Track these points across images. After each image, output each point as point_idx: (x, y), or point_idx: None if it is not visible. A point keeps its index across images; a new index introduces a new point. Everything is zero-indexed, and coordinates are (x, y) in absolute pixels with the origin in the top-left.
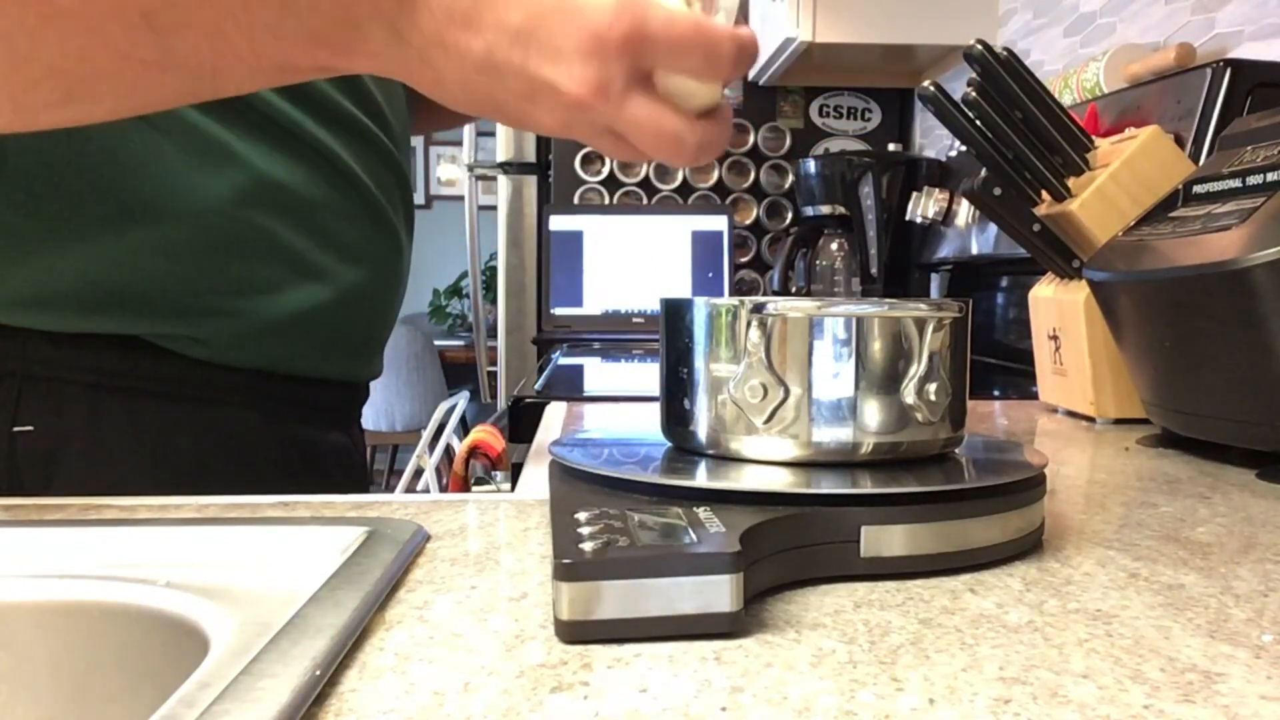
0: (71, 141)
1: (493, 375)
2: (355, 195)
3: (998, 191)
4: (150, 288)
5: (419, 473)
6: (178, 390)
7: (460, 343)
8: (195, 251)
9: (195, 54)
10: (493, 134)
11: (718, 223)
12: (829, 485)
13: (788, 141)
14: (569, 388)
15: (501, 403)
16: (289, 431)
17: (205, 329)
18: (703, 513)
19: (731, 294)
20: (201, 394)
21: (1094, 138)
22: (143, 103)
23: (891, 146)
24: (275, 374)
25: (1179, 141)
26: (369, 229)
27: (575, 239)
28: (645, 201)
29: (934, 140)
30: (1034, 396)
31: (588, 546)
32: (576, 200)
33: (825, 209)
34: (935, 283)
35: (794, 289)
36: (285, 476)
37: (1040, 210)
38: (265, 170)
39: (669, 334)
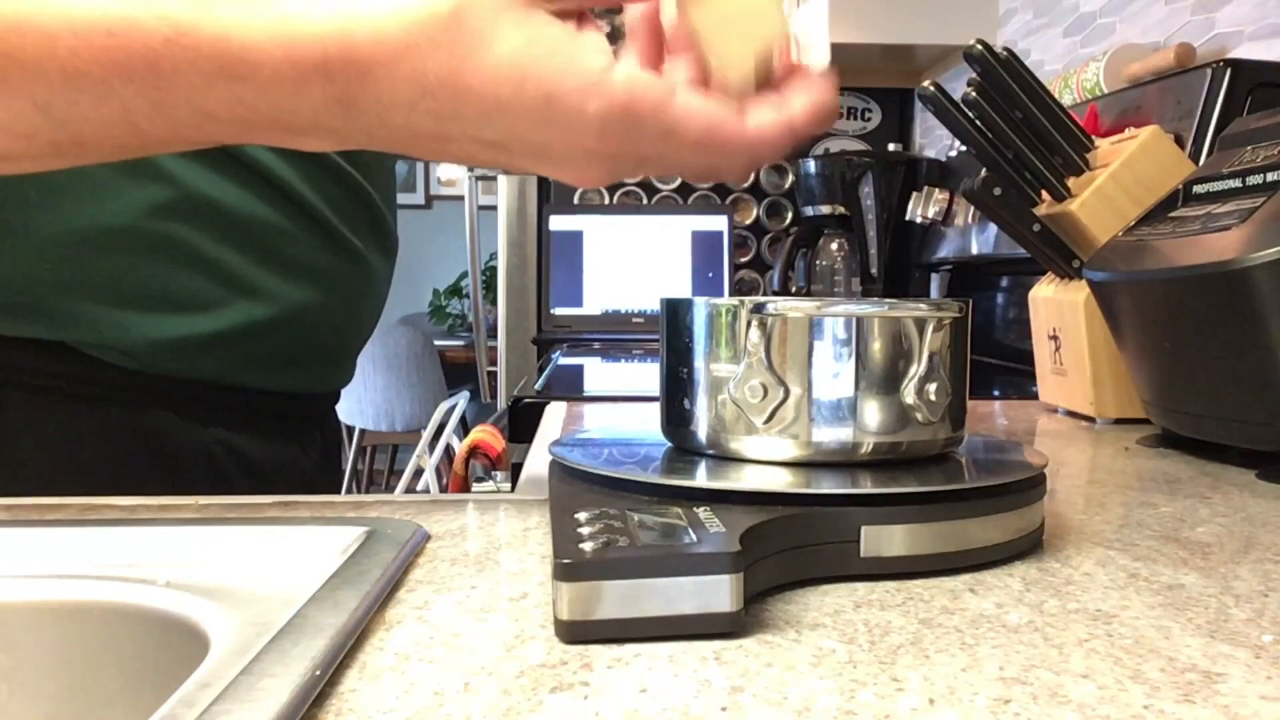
0: None
1: (493, 375)
2: (300, 214)
3: (998, 191)
4: (65, 295)
5: (419, 473)
6: (89, 390)
7: (460, 343)
8: (112, 261)
9: (111, 139)
10: None
11: (718, 223)
12: (829, 485)
13: None
14: (569, 388)
15: (501, 403)
16: (216, 438)
17: (127, 339)
18: (703, 513)
19: (731, 294)
20: (114, 395)
21: (1094, 138)
22: (72, 164)
23: (891, 146)
24: (206, 382)
25: (1179, 141)
26: (319, 248)
27: (575, 239)
28: (645, 201)
29: (934, 140)
30: (1034, 396)
31: (588, 546)
32: (576, 200)
33: (825, 209)
34: (935, 283)
35: (794, 289)
36: (212, 483)
37: (1040, 210)
38: (193, 185)
39: (669, 334)
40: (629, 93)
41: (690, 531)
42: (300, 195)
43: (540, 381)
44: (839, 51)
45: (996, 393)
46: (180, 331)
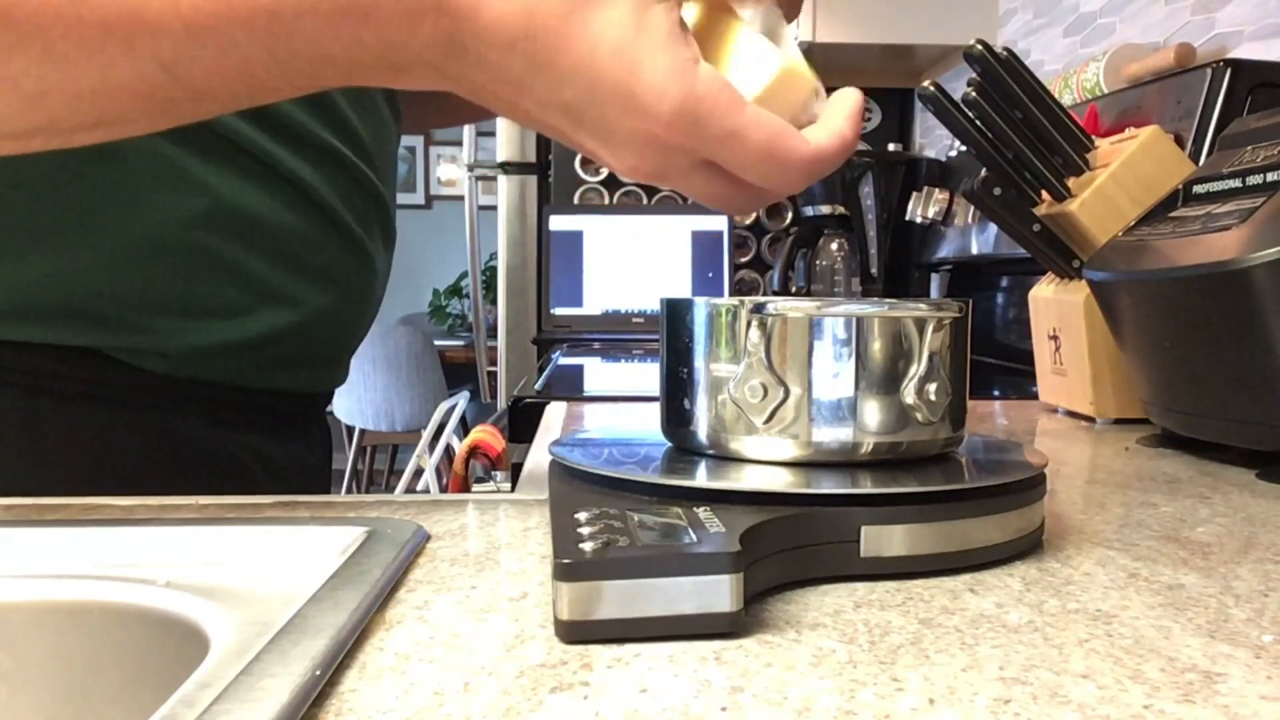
0: (24, 156)
1: (493, 375)
2: (326, 221)
3: (998, 191)
4: (101, 304)
5: (419, 473)
6: (118, 396)
7: (460, 343)
8: (149, 272)
9: (226, 91)
10: (493, 134)
11: (718, 223)
12: (829, 485)
13: None
14: (569, 388)
15: (501, 403)
16: (240, 440)
17: (161, 346)
18: (703, 513)
19: (731, 294)
20: (143, 400)
21: (1094, 138)
22: (178, 122)
23: (891, 146)
24: (227, 385)
25: (1179, 141)
26: (339, 253)
27: (575, 239)
28: (645, 201)
29: (934, 140)
30: (1034, 396)
31: (588, 546)
32: (576, 200)
33: (825, 209)
34: (935, 283)
35: (794, 289)
36: (237, 484)
37: (1040, 210)
38: (227, 196)
39: (669, 334)
40: (709, 87)
41: (690, 531)
42: (323, 200)
43: (540, 381)
44: (839, 51)
45: (996, 393)
46: (212, 339)
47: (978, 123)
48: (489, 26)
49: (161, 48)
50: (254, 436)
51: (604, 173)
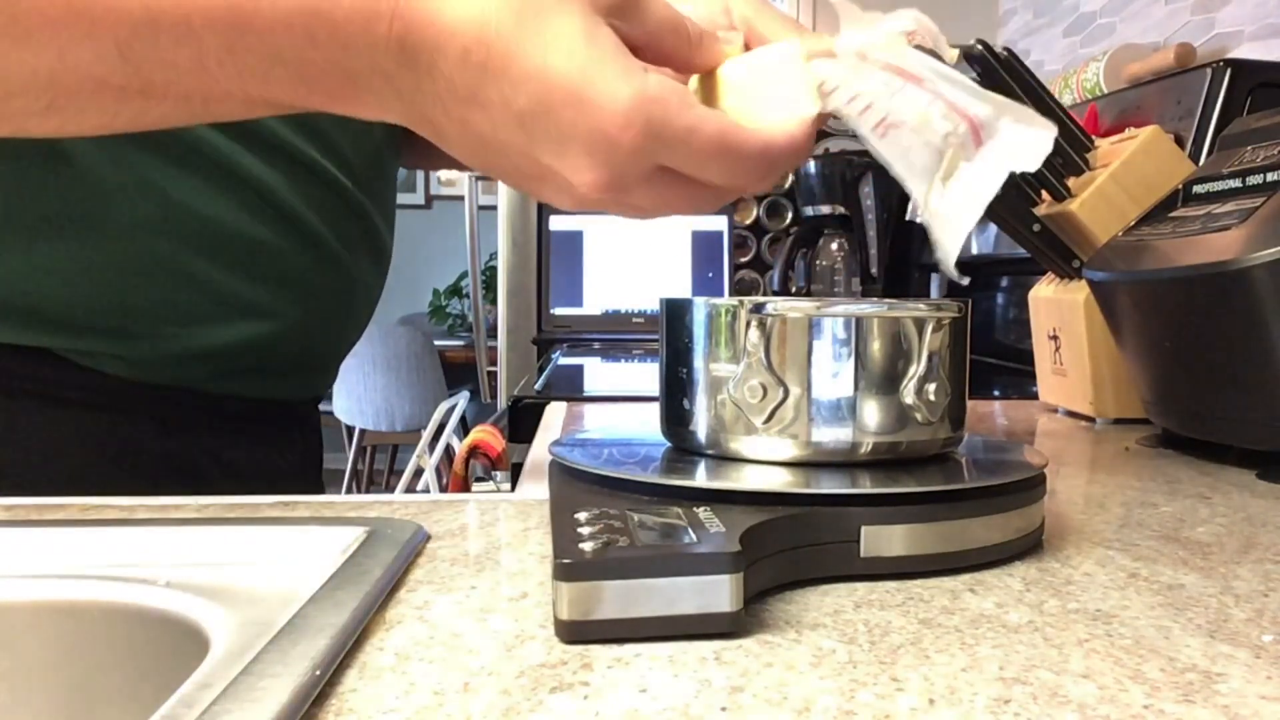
0: None
1: (493, 375)
2: (296, 234)
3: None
4: (58, 305)
5: (419, 473)
6: (61, 394)
7: (460, 343)
8: (107, 275)
9: (178, 86)
10: None
11: (718, 223)
12: (829, 485)
13: None
14: (569, 388)
15: (501, 403)
16: (197, 443)
17: (120, 350)
18: (703, 513)
19: (731, 294)
20: (96, 402)
21: (1094, 138)
22: (130, 122)
23: None
24: (186, 390)
25: (1179, 141)
26: (313, 267)
27: (575, 239)
28: None
29: None
30: (1034, 396)
31: (588, 546)
32: None
33: (825, 209)
34: (935, 283)
35: (794, 289)
36: (191, 486)
37: (1040, 210)
38: (188, 203)
39: (669, 334)
40: (659, 88)
41: (690, 531)
42: (295, 212)
43: (540, 381)
44: None
45: (996, 393)
46: (173, 344)
47: None
48: (442, 32)
49: (119, 29)
50: (212, 440)
51: None
